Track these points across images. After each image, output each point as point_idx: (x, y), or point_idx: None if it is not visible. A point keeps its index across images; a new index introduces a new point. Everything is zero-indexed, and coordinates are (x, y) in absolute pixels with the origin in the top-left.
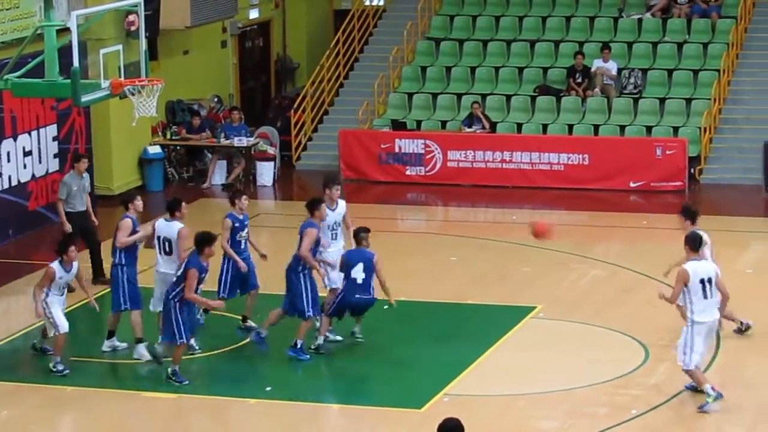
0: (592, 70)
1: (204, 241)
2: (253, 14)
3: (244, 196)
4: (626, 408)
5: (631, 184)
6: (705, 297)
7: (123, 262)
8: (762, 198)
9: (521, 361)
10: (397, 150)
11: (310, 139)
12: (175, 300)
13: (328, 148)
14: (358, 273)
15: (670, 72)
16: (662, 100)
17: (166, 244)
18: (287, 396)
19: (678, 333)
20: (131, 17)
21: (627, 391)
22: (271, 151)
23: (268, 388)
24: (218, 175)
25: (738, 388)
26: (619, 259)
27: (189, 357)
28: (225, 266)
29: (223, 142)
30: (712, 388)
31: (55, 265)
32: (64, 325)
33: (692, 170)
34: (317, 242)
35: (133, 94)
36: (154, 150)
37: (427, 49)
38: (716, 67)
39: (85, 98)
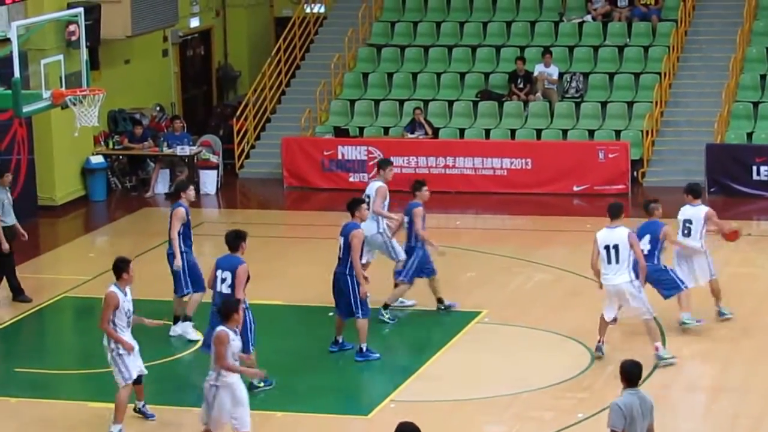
0: (534, 74)
1: (241, 237)
2: (194, 23)
3: None
4: (572, 412)
5: (574, 188)
6: (609, 262)
7: (182, 248)
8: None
9: (467, 366)
10: (340, 157)
11: (252, 147)
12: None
13: (271, 155)
14: None
15: (611, 75)
16: (604, 104)
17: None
18: None
19: (623, 334)
20: (72, 27)
21: (573, 395)
22: (213, 159)
23: None
24: (161, 184)
25: (681, 388)
26: (562, 263)
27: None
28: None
29: (166, 151)
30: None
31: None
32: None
33: (635, 173)
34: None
35: (74, 104)
36: (97, 160)
37: (369, 55)
38: (657, 70)
39: (26, 109)
